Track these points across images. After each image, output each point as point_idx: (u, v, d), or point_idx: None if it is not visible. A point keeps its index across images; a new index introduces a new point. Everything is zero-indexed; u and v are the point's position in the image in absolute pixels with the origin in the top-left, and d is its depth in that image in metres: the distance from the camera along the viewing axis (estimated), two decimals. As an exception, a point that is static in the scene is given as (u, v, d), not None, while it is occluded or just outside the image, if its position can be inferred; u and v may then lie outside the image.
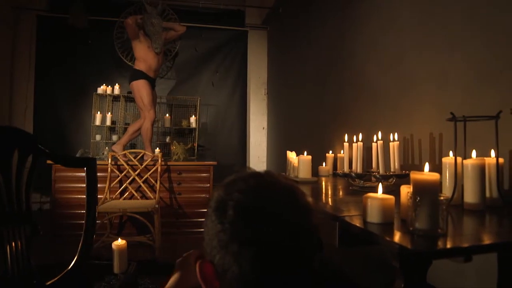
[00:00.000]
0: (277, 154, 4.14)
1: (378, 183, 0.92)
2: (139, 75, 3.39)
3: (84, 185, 3.20)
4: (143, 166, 3.17)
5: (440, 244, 0.71)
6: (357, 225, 0.85)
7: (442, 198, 0.75)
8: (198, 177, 3.44)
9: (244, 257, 0.49)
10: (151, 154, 3.22)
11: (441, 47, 1.56)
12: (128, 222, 3.23)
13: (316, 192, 1.48)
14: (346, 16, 2.48)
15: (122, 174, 3.15)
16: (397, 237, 0.75)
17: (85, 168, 1.03)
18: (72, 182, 3.10)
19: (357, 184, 1.48)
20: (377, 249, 0.81)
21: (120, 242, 1.50)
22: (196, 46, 4.46)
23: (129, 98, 3.98)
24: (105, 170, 3.13)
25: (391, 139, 1.48)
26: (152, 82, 3.48)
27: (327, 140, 2.66)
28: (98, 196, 3.07)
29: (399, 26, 1.87)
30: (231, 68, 4.65)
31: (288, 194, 0.54)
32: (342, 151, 1.84)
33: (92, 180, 1.04)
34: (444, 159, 1.11)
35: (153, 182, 3.18)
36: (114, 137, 3.98)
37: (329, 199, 1.32)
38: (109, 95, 3.98)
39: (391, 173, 1.42)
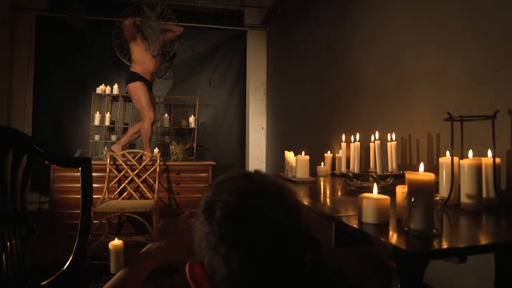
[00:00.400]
0: (276, 154, 4.14)
1: (373, 183, 0.92)
2: (135, 77, 3.39)
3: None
4: (141, 166, 3.16)
5: (434, 244, 0.71)
6: (352, 225, 0.84)
7: (437, 198, 0.75)
8: (197, 177, 3.43)
9: (232, 258, 0.48)
10: (149, 154, 3.22)
11: (439, 47, 1.56)
12: (126, 222, 3.22)
13: (313, 192, 1.47)
14: (344, 16, 2.48)
15: (121, 174, 3.15)
16: (391, 237, 0.75)
17: (79, 168, 1.03)
18: (71, 182, 3.09)
19: (355, 184, 1.48)
20: (375, 249, 0.80)
21: (117, 242, 1.50)
22: (195, 46, 4.46)
23: (128, 98, 3.97)
24: (104, 170, 3.13)
25: (389, 139, 1.48)
26: (148, 85, 3.47)
27: (325, 140, 2.66)
28: (97, 196, 3.08)
29: (397, 26, 1.87)
30: (230, 68, 4.64)
31: (276, 193, 0.54)
32: (340, 151, 1.83)
33: (87, 180, 1.04)
34: (441, 159, 1.10)
35: (152, 182, 3.18)
36: (113, 137, 3.98)
37: (326, 199, 1.32)
38: (108, 95, 3.98)
39: (388, 173, 1.42)
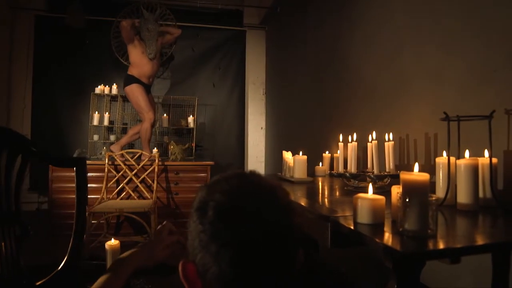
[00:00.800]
0: (275, 154, 4.13)
1: (369, 183, 0.91)
2: (131, 80, 3.38)
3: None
4: (140, 166, 3.16)
5: (429, 245, 0.70)
6: (347, 226, 0.84)
7: (432, 198, 0.74)
8: (196, 177, 3.43)
9: (223, 257, 0.49)
10: (148, 154, 3.22)
11: (437, 47, 1.55)
12: (125, 222, 3.22)
13: (310, 193, 1.47)
14: (343, 16, 2.47)
15: (119, 174, 3.15)
16: (386, 238, 0.74)
17: (74, 168, 1.02)
18: (69, 182, 3.09)
19: (352, 184, 1.48)
20: (373, 249, 0.80)
21: (113, 242, 1.49)
22: (194, 46, 4.46)
23: (127, 98, 3.97)
24: (102, 170, 3.12)
25: (386, 139, 1.48)
26: (146, 87, 3.46)
27: (324, 140, 2.66)
28: (95, 196, 3.08)
29: (395, 26, 1.87)
30: (230, 68, 4.64)
31: (269, 193, 0.54)
32: (338, 151, 1.83)
33: (81, 180, 1.03)
34: (437, 159, 1.10)
35: (150, 182, 3.17)
36: (112, 137, 3.97)
37: (323, 200, 1.32)
38: (107, 95, 3.98)
39: (385, 173, 1.41)
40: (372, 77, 2.08)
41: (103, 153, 3.56)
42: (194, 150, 4.01)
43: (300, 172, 1.71)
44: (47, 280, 1.07)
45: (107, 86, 3.94)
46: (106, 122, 3.92)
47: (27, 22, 4.09)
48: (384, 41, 1.96)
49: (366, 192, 0.88)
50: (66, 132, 4.17)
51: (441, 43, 1.53)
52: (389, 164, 1.44)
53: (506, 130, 1.18)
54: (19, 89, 4.09)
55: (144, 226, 2.74)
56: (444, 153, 1.09)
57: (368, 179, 1.44)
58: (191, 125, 4.12)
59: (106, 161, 3.13)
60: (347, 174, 1.46)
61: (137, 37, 3.45)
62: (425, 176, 0.73)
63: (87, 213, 2.65)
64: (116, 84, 3.96)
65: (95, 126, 3.86)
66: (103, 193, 3.03)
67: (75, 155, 3.48)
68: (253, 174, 0.57)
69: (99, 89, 3.90)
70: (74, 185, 1.15)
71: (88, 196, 3.36)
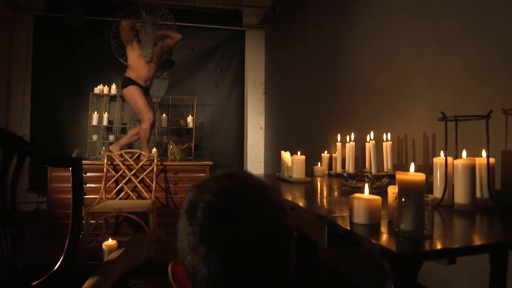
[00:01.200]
0: (274, 154, 4.13)
1: (365, 184, 0.91)
2: (128, 82, 3.38)
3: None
4: (139, 166, 3.16)
5: (424, 245, 0.70)
6: (343, 226, 0.83)
7: (428, 198, 0.74)
8: (195, 177, 3.42)
9: (212, 259, 0.48)
10: (147, 154, 3.21)
11: (435, 47, 1.55)
12: (124, 222, 3.22)
13: (308, 193, 1.47)
14: (341, 16, 2.47)
15: (118, 174, 3.14)
16: (381, 238, 0.74)
17: (70, 168, 1.02)
18: (68, 182, 3.02)
19: (350, 184, 1.47)
20: (370, 250, 0.80)
21: (110, 242, 1.49)
22: (193, 46, 4.45)
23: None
24: (101, 170, 3.12)
25: (384, 139, 1.47)
26: (143, 89, 3.46)
27: (323, 140, 2.65)
28: (94, 196, 3.08)
29: (393, 26, 1.86)
30: (229, 68, 4.64)
31: (259, 193, 0.53)
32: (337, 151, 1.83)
33: (77, 181, 1.03)
34: (435, 159, 1.09)
35: (149, 182, 3.17)
36: (111, 137, 3.97)
37: (321, 200, 1.31)
38: (106, 95, 3.97)
39: (383, 173, 1.41)
40: (370, 77, 2.08)
41: (102, 153, 3.56)
42: (193, 150, 4.00)
43: (298, 172, 1.71)
44: (43, 280, 1.06)
45: (106, 86, 3.93)
46: (105, 122, 3.92)
47: (26, 22, 4.08)
48: (383, 41, 1.95)
49: (363, 192, 0.87)
50: (65, 132, 4.17)
51: (440, 43, 1.52)
52: (387, 164, 1.44)
53: (503, 130, 1.17)
54: (18, 89, 4.09)
55: (142, 226, 2.73)
56: (442, 153, 1.09)
57: (366, 179, 1.44)
58: (190, 125, 4.12)
59: (105, 161, 3.12)
60: (345, 174, 1.46)
61: (136, 39, 3.45)
62: (420, 176, 0.73)
63: (83, 213, 2.65)
64: (115, 84, 3.95)
65: (94, 126, 3.85)
66: (102, 193, 3.03)
67: (73, 155, 3.48)
68: (244, 173, 0.56)
69: (98, 89, 3.89)
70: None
71: (87, 196, 3.37)
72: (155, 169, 3.15)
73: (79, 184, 1.06)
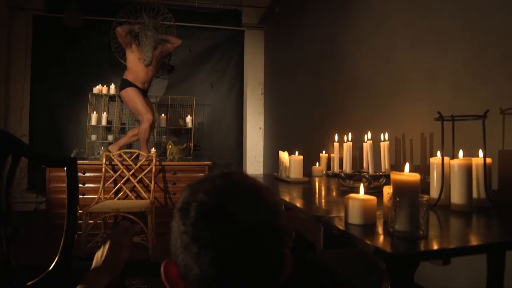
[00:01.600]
0: (274, 154, 4.12)
1: (360, 184, 0.91)
2: (126, 84, 3.38)
3: (79, 185, 3.14)
4: (137, 166, 3.15)
5: (419, 246, 0.69)
6: (338, 226, 0.83)
7: (423, 199, 0.73)
8: (193, 177, 3.41)
9: (203, 258, 0.48)
10: (146, 154, 3.21)
11: (432, 47, 1.55)
12: (122, 222, 3.21)
13: (306, 193, 1.46)
14: (339, 16, 2.46)
15: (117, 174, 3.14)
16: (376, 239, 0.73)
17: (65, 168, 1.02)
18: (67, 182, 3.08)
19: (347, 184, 1.47)
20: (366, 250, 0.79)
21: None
22: (192, 46, 4.44)
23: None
24: (100, 170, 3.12)
25: (382, 138, 1.47)
26: (141, 91, 3.45)
27: (322, 140, 2.65)
28: (93, 196, 3.08)
29: (391, 26, 1.86)
30: (228, 68, 4.63)
31: (253, 194, 0.53)
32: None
33: (72, 181, 1.03)
34: (432, 159, 1.09)
35: (148, 182, 3.17)
36: (110, 137, 3.96)
37: (317, 200, 1.31)
38: (105, 95, 3.97)
39: (381, 173, 1.40)
40: (368, 77, 2.08)
41: (101, 153, 3.56)
42: (192, 150, 4.00)
43: (296, 172, 1.71)
44: (38, 280, 1.06)
45: (105, 86, 3.93)
46: (104, 122, 3.91)
47: (25, 22, 4.08)
48: (381, 41, 1.95)
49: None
50: (64, 132, 4.17)
51: (437, 43, 1.52)
52: (385, 164, 1.43)
53: (501, 129, 1.17)
54: (17, 89, 4.09)
55: (141, 226, 2.73)
56: (438, 153, 1.09)
57: (363, 179, 1.44)
58: (189, 125, 4.11)
59: (104, 161, 3.12)
60: (342, 174, 1.45)
61: (136, 42, 3.44)
62: (415, 177, 0.73)
63: (82, 213, 2.65)
64: (114, 84, 3.95)
65: (93, 126, 3.85)
66: (100, 193, 3.03)
67: (72, 155, 3.47)
68: (239, 174, 0.56)
69: (97, 89, 3.89)
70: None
71: (86, 196, 3.36)
72: (153, 169, 3.14)
73: (74, 184, 1.05)
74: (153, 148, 3.78)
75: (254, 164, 4.53)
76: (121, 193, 3.14)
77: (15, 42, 4.08)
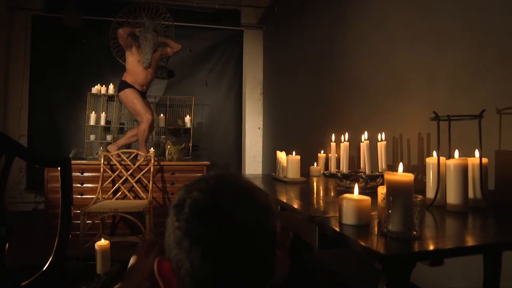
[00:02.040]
0: (273, 154, 4.10)
1: (355, 184, 0.90)
2: (124, 85, 3.37)
3: (78, 185, 3.13)
4: (135, 166, 3.15)
5: (413, 246, 0.69)
6: (333, 227, 0.82)
7: (417, 199, 0.73)
8: (192, 177, 3.39)
9: (194, 254, 0.50)
10: (144, 154, 3.21)
11: (431, 46, 1.54)
12: (121, 222, 3.21)
13: (303, 193, 1.46)
14: (338, 16, 2.46)
15: (115, 174, 3.14)
16: (369, 239, 0.73)
17: (59, 168, 1.01)
18: (65, 182, 3.07)
19: (344, 184, 1.46)
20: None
21: (103, 242, 1.49)
22: (191, 46, 4.44)
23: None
24: (98, 170, 3.11)
25: (379, 138, 1.46)
26: (140, 93, 3.44)
27: (320, 140, 2.64)
28: (91, 196, 3.07)
29: (389, 26, 1.85)
30: (227, 68, 4.63)
31: (245, 194, 0.55)
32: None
33: (66, 181, 1.02)
34: (428, 159, 1.08)
35: (146, 182, 3.16)
36: (109, 137, 3.96)
37: (314, 200, 1.30)
38: (104, 95, 3.96)
39: (378, 173, 1.40)
40: (366, 77, 2.07)
41: (99, 153, 3.55)
42: (190, 150, 3.99)
43: (293, 172, 1.70)
44: (32, 281, 1.06)
45: (103, 86, 3.92)
46: (102, 122, 3.91)
47: (24, 22, 4.08)
48: (379, 41, 1.94)
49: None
50: (63, 132, 4.17)
51: (436, 42, 1.51)
52: (382, 164, 1.43)
53: (497, 129, 1.16)
54: (16, 88, 4.08)
55: (139, 226, 2.72)
56: (435, 153, 1.08)
57: (360, 179, 1.43)
58: (188, 125, 4.11)
59: (102, 161, 3.11)
60: (339, 175, 1.45)
61: (136, 44, 3.43)
62: (409, 177, 0.72)
63: (76, 213, 2.65)
64: (113, 84, 3.94)
65: (92, 126, 3.84)
66: (99, 193, 3.02)
67: (71, 155, 3.47)
68: (232, 175, 0.59)
69: (95, 89, 3.88)
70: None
71: (84, 196, 3.35)
72: (152, 169, 3.14)
73: (68, 184, 1.05)
74: (152, 148, 3.77)
75: (253, 164, 4.52)
76: (119, 193, 3.14)
77: (14, 42, 4.07)
